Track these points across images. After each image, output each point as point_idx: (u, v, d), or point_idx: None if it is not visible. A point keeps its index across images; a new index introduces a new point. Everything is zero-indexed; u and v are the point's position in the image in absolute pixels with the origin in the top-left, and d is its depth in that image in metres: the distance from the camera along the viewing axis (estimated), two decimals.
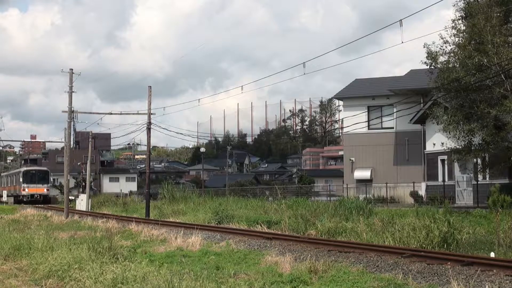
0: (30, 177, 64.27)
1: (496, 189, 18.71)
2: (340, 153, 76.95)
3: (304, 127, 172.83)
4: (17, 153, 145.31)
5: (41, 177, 65.37)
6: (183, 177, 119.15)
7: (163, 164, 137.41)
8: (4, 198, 69.58)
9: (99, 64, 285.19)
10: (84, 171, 69.19)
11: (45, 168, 68.23)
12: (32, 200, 61.68)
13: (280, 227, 25.49)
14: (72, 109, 39.67)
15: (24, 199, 62.57)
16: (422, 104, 41.98)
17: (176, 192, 46.25)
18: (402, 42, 20.76)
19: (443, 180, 39.06)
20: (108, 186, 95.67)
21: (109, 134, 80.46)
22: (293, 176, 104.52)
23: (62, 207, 44.08)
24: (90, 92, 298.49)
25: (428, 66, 30.64)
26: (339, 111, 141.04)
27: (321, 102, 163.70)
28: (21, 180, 64.07)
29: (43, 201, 64.21)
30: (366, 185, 46.34)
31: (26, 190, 63.32)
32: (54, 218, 34.95)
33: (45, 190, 64.18)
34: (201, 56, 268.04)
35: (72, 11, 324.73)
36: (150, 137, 39.63)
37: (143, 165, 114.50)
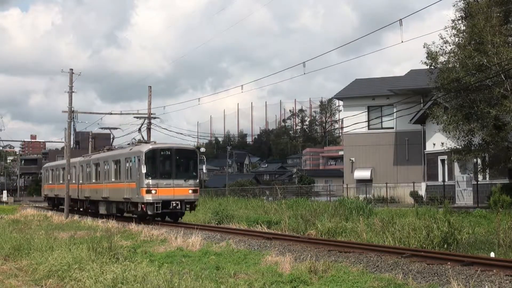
0: (162, 164, 29.07)
1: (497, 189, 18.75)
2: (340, 153, 77.02)
3: (304, 127, 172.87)
4: (17, 153, 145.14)
5: (183, 164, 29.62)
6: None
7: None
8: (4, 198, 68.37)
9: (100, 64, 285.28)
10: None
11: (191, 147, 32.67)
12: (167, 212, 28.68)
13: (280, 227, 25.51)
14: (72, 109, 39.66)
15: (149, 212, 28.04)
16: (422, 104, 42.01)
17: None
18: (402, 42, 20.82)
19: (443, 180, 39.07)
20: None
21: (109, 134, 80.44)
22: (293, 176, 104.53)
23: (62, 207, 44.08)
24: (91, 92, 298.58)
25: (428, 66, 30.67)
26: (339, 111, 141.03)
27: (321, 102, 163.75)
28: (142, 169, 28.34)
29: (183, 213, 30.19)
30: (366, 185, 46.36)
31: (153, 192, 28.18)
32: (54, 218, 34.90)
33: (191, 191, 28.88)
34: (201, 56, 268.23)
35: (72, 11, 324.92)
36: (150, 137, 39.64)
37: None
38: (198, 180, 29.55)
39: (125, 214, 32.36)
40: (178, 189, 28.18)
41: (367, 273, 12.81)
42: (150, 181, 27.77)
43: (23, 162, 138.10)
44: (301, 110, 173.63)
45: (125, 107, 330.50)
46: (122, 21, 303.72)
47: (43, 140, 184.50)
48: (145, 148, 28.84)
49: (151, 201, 27.61)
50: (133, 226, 25.44)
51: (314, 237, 21.10)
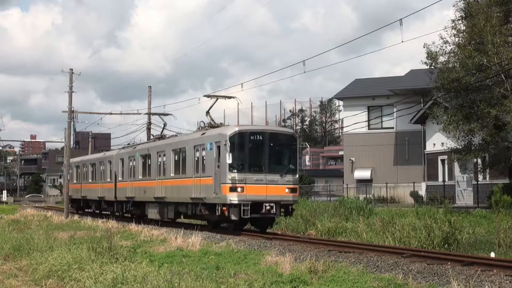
0: (251, 152, 21.99)
1: (498, 189, 18.75)
2: (340, 153, 77.05)
3: (304, 127, 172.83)
4: (17, 153, 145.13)
5: (279, 154, 22.61)
6: None
7: None
8: (4, 198, 68.27)
9: (100, 64, 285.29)
10: None
11: (289, 131, 26.78)
12: (256, 218, 22.09)
13: (280, 227, 25.49)
14: (72, 109, 39.69)
15: (233, 217, 21.32)
16: (422, 104, 42.01)
17: None
18: (402, 41, 20.87)
19: (443, 180, 39.07)
20: None
21: (109, 134, 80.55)
22: None
23: (62, 207, 44.03)
24: (91, 92, 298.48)
25: (428, 66, 30.68)
26: (339, 111, 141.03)
27: (321, 102, 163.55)
28: (227, 159, 21.18)
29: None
30: (366, 185, 46.35)
31: (239, 189, 21.16)
32: (54, 218, 34.88)
33: (288, 190, 21.94)
34: (201, 56, 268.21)
35: (73, 11, 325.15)
36: (150, 137, 39.64)
37: None
38: (298, 176, 22.75)
39: (179, 220, 26.75)
40: (272, 187, 21.53)
41: (367, 273, 12.79)
42: (236, 175, 21.02)
43: (23, 162, 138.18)
44: (301, 110, 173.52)
45: (125, 107, 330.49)
46: (122, 21, 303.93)
47: (43, 140, 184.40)
48: (230, 130, 21.70)
49: (237, 202, 20.91)
50: (133, 226, 25.40)
51: (314, 237, 21.11)
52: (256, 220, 22.36)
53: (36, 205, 61.63)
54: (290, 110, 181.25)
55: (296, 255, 15.67)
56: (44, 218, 35.92)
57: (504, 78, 27.22)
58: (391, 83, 48.09)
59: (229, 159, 20.96)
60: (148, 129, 39.68)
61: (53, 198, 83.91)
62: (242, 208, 20.84)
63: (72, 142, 69.39)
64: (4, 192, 73.89)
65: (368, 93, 48.86)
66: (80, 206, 41.41)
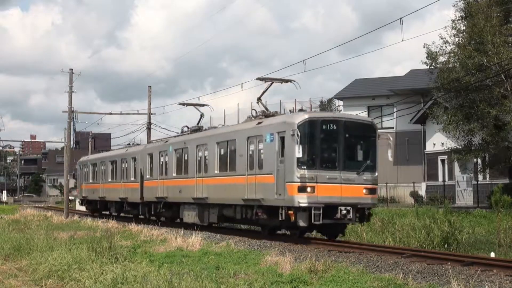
0: (323, 145, 18.24)
1: (498, 189, 18.74)
2: None
3: None
4: (17, 153, 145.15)
5: (356, 147, 18.91)
6: None
7: None
8: (4, 198, 68.23)
9: (100, 64, 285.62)
10: None
11: (367, 120, 21.51)
12: (328, 224, 18.18)
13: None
14: (72, 109, 39.72)
15: (301, 222, 17.54)
16: (422, 104, 42.01)
17: None
18: (403, 40, 20.78)
19: (443, 180, 39.07)
20: None
21: (109, 134, 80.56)
22: None
23: (62, 207, 44.03)
24: (91, 92, 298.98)
25: (428, 66, 30.70)
26: (339, 111, 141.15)
27: (321, 102, 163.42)
28: (296, 152, 17.11)
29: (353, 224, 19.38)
30: None
31: (309, 189, 17.36)
32: (54, 218, 34.89)
33: (366, 191, 18.22)
34: (201, 56, 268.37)
35: (73, 11, 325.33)
36: (150, 137, 39.66)
37: None
38: (377, 173, 18.81)
39: (218, 224, 23.90)
40: (348, 187, 18.01)
41: (367, 273, 12.79)
42: (306, 173, 17.48)
43: (23, 162, 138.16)
44: (301, 110, 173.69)
45: (125, 107, 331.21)
46: (122, 21, 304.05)
47: (43, 140, 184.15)
48: (298, 118, 18.04)
49: (306, 204, 17.36)
50: (133, 226, 25.39)
51: (314, 237, 21.10)
52: (324, 226, 18.67)
53: (36, 205, 61.63)
54: (290, 110, 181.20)
55: (296, 255, 15.67)
56: (44, 218, 35.92)
57: (504, 78, 27.24)
58: (391, 83, 48.08)
59: (298, 153, 17.20)
60: (148, 129, 39.69)
61: (53, 198, 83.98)
62: (312, 212, 17.27)
63: (72, 142, 69.33)
64: (4, 192, 73.86)
65: (368, 93, 48.85)
66: (97, 208, 37.74)
